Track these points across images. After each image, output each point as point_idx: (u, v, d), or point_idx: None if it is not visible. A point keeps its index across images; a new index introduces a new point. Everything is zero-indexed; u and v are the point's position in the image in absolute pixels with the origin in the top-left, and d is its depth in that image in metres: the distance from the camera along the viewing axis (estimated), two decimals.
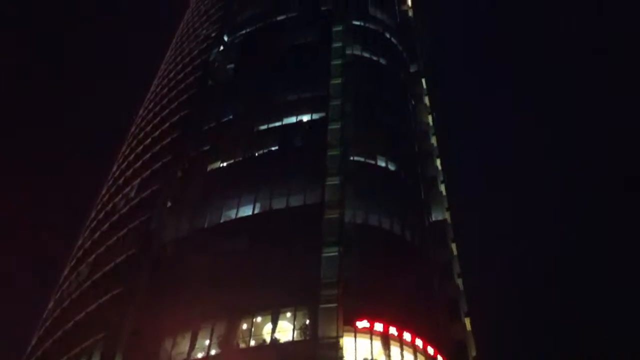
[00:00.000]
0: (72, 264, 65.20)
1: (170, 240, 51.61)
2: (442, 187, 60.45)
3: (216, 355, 39.87)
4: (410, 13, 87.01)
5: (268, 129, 57.85)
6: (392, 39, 72.15)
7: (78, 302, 55.07)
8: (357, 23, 70.41)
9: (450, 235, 55.55)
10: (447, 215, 57.39)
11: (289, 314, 40.98)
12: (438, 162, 63.53)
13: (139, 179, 64.84)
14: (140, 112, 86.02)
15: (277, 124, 57.63)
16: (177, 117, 69.22)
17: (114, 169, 77.10)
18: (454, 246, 55.22)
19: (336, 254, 43.23)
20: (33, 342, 59.22)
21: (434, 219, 55.80)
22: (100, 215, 67.07)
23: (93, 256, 60.31)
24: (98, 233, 63.48)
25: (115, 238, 58.52)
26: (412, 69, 73.86)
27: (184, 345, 41.29)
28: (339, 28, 67.97)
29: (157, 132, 70.21)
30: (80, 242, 68.55)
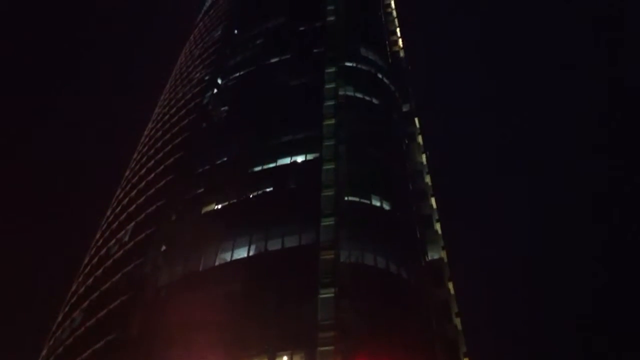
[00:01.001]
0: (66, 310, 64.37)
1: (164, 284, 51.04)
2: (438, 226, 60.20)
3: None
4: (402, 54, 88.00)
5: (262, 170, 57.85)
6: (384, 80, 72.78)
7: (72, 350, 54.21)
8: (350, 64, 71.06)
9: (447, 274, 55.10)
10: (443, 254, 57.00)
11: (285, 358, 40.30)
12: (433, 200, 63.40)
13: (133, 223, 64.50)
14: (134, 155, 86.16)
15: (272, 165, 57.65)
16: (171, 160, 69.26)
17: (108, 213, 76.80)
18: (451, 285, 54.71)
19: (332, 295, 42.73)
20: None
21: (430, 258, 55.40)
22: (94, 261, 66.53)
23: (87, 302, 59.59)
24: (92, 278, 62.85)
25: (109, 283, 57.93)
26: (405, 109, 74.33)
27: None
28: (332, 69, 68.57)
29: (151, 176, 70.17)
30: (74, 288, 67.83)
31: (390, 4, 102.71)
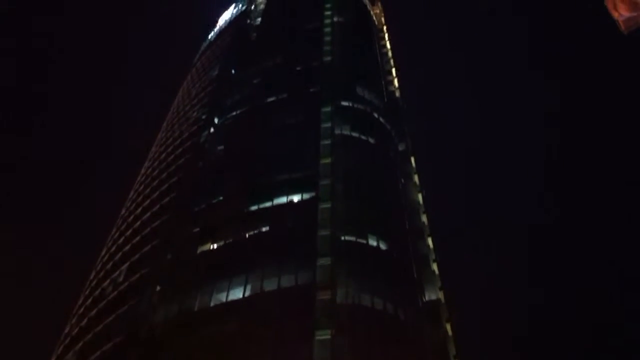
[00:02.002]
0: (59, 352, 63.36)
1: (159, 324, 50.35)
2: (435, 266, 59.84)
3: None
4: (398, 93, 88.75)
5: (259, 209, 57.64)
6: (380, 119, 73.16)
7: None
8: (345, 103, 71.50)
9: (444, 314, 54.53)
10: (440, 295, 56.51)
11: None
12: (429, 240, 63.14)
13: (127, 263, 63.99)
14: (131, 194, 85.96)
15: (268, 204, 57.48)
16: (167, 199, 69.07)
17: (103, 253, 76.25)
18: (449, 326, 54.10)
19: (329, 336, 42.21)
20: None
21: (427, 298, 54.88)
22: (88, 302, 65.76)
23: (80, 344, 58.69)
24: (85, 320, 62.02)
25: (102, 325, 57.15)
26: (401, 148, 74.58)
27: None
28: (328, 109, 68.94)
29: (147, 215, 69.88)
30: (67, 329, 66.91)
31: (385, 44, 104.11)
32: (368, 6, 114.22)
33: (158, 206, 69.29)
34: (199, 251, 56.59)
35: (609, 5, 9.77)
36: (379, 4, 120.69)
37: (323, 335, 42.32)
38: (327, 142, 63.38)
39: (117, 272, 64.55)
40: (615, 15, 9.74)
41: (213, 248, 56.04)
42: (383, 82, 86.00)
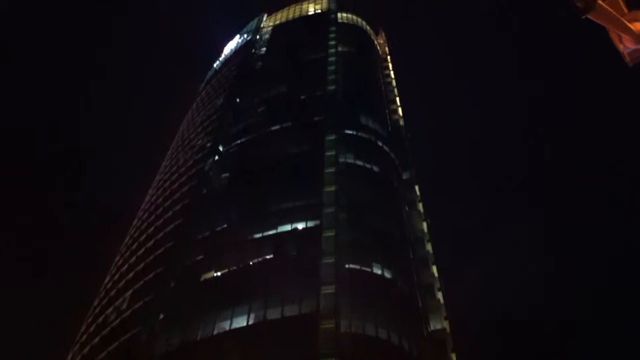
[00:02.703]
0: None
1: (161, 353, 50.00)
2: (440, 295, 59.49)
3: None
4: (402, 122, 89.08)
5: (262, 237, 57.61)
6: (384, 147, 73.38)
7: None
8: (350, 132, 71.82)
9: (450, 345, 54.05)
10: (445, 324, 56.09)
11: None
12: (434, 269, 62.87)
13: (131, 291, 63.74)
14: (134, 222, 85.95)
15: (272, 232, 57.45)
16: (171, 226, 69.03)
17: (106, 280, 76.01)
18: (454, 357, 53.59)
19: None
20: None
21: (432, 328, 54.49)
22: (91, 329, 65.40)
23: None
24: (88, 347, 61.64)
25: (105, 352, 56.78)
26: (405, 176, 74.65)
27: None
28: (332, 137, 69.20)
29: (151, 242, 69.79)
30: (69, 356, 66.44)
31: (389, 73, 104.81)
32: (372, 36, 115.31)
33: (162, 233, 69.24)
34: (202, 279, 56.43)
35: (614, 38, 9.92)
36: (383, 34, 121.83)
37: None
38: (331, 170, 63.50)
39: (121, 300, 64.29)
40: (621, 47, 9.88)
41: (216, 276, 55.88)
42: (387, 111, 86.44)
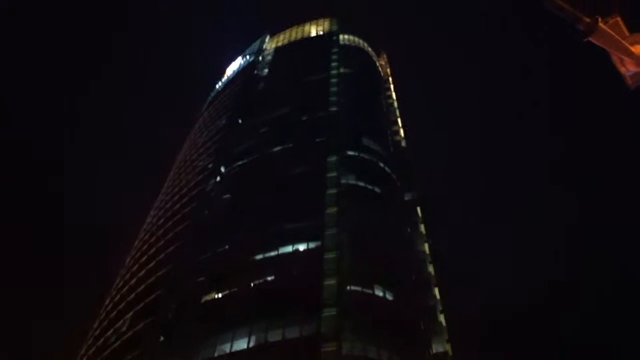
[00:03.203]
0: None
1: None
2: (442, 317, 59.01)
3: None
4: (404, 143, 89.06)
5: (264, 258, 57.33)
6: (386, 168, 73.30)
7: None
8: (352, 153, 71.77)
9: None
10: (448, 347, 55.56)
11: None
12: (436, 291, 62.44)
13: (131, 312, 63.40)
14: (136, 243, 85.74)
15: (273, 253, 57.19)
16: (172, 247, 68.84)
17: (107, 301, 75.68)
18: None
19: None
20: None
21: (434, 351, 53.95)
22: (91, 351, 64.98)
23: None
24: None
25: None
26: (407, 197, 74.41)
27: None
28: (334, 158, 69.15)
29: (152, 264, 69.56)
30: None
31: (391, 95, 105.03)
32: (373, 57, 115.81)
33: (163, 255, 69.03)
34: (203, 301, 56.11)
35: (616, 60, 9.87)
36: (384, 55, 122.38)
37: None
38: (333, 191, 63.37)
39: (121, 322, 63.90)
40: (622, 70, 9.83)
41: (217, 297, 55.56)
42: (389, 132, 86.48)
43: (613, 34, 9.66)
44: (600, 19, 9.54)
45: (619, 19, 9.84)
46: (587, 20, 9.48)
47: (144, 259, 73.40)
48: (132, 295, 66.68)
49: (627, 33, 9.82)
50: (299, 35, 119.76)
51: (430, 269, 65.55)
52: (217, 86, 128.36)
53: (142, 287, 66.10)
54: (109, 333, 64.68)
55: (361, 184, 66.97)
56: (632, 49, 9.76)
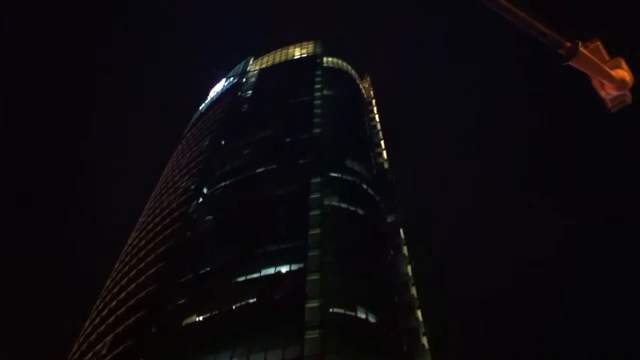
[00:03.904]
0: None
1: None
2: (425, 340, 58.80)
3: None
4: (387, 165, 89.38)
5: (246, 280, 57.01)
6: (369, 190, 73.46)
7: None
8: (335, 175, 71.91)
9: None
10: None
11: None
12: (419, 313, 62.28)
13: (111, 335, 62.58)
14: (116, 265, 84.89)
15: (256, 275, 56.90)
16: (153, 269, 68.25)
17: (86, 324, 74.64)
18: None
19: None
20: None
21: None
22: None
23: None
24: None
25: None
26: (390, 219, 74.49)
27: None
28: (317, 180, 69.22)
29: (133, 286, 68.85)
30: None
31: (374, 117, 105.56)
32: (357, 80, 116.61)
33: (144, 277, 68.36)
34: (184, 324, 55.54)
35: (596, 84, 9.99)
36: (368, 78, 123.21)
37: None
38: (317, 212, 63.34)
39: (101, 345, 63.02)
40: (603, 94, 9.95)
41: (199, 320, 55.02)
42: (372, 154, 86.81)
43: (594, 58, 9.77)
44: (580, 44, 9.64)
45: (599, 43, 9.96)
46: (568, 44, 9.57)
47: (124, 281, 72.65)
48: (112, 318, 65.87)
49: (607, 57, 9.94)
50: (283, 58, 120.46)
51: (413, 291, 65.43)
52: (200, 107, 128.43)
53: (123, 309, 65.35)
54: (88, 356, 63.76)
55: (344, 205, 67.04)
56: (613, 72, 9.87)
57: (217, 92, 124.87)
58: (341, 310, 51.93)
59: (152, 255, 71.87)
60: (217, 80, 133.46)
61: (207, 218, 73.21)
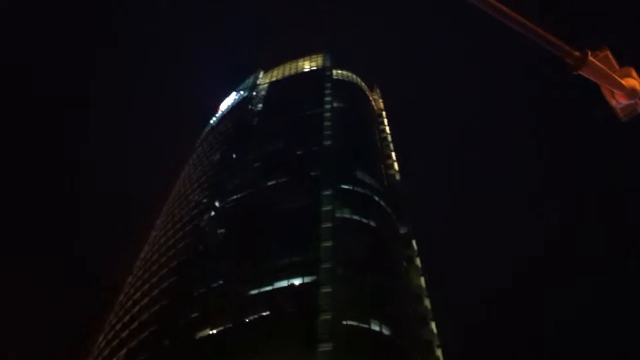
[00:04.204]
0: None
1: None
2: (439, 352, 58.57)
3: None
4: (398, 176, 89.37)
5: (259, 293, 57.02)
6: (381, 202, 73.40)
7: None
8: (346, 187, 71.92)
9: None
10: None
11: None
12: (433, 325, 62.05)
13: (125, 349, 62.71)
14: (129, 279, 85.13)
15: (268, 288, 56.91)
16: (166, 283, 68.41)
17: (100, 339, 74.80)
18: None
19: None
20: None
21: None
22: None
23: None
24: None
25: None
26: (402, 231, 74.40)
27: None
28: (328, 192, 69.26)
29: (146, 300, 69.00)
30: None
31: (384, 129, 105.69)
32: (367, 92, 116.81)
33: (157, 291, 68.52)
34: (197, 337, 55.59)
35: (606, 94, 10.00)
36: (378, 90, 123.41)
37: None
38: (328, 225, 63.35)
39: (115, 359, 63.13)
40: (613, 103, 9.97)
41: (212, 334, 55.06)
42: (383, 166, 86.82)
43: (603, 67, 9.80)
44: (590, 53, 9.67)
45: (608, 52, 9.98)
46: (577, 54, 9.61)
47: (137, 294, 72.84)
48: (126, 332, 66.01)
49: (617, 67, 9.96)
50: (293, 71, 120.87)
51: (427, 303, 65.26)
52: (211, 121, 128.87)
53: (136, 323, 65.49)
54: None
55: (356, 217, 67.00)
56: (623, 82, 9.89)
57: (228, 106, 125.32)
58: (354, 323, 51.82)
59: (165, 269, 72.06)
60: (228, 94, 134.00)
61: (219, 231, 73.35)
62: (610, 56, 9.86)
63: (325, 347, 47.49)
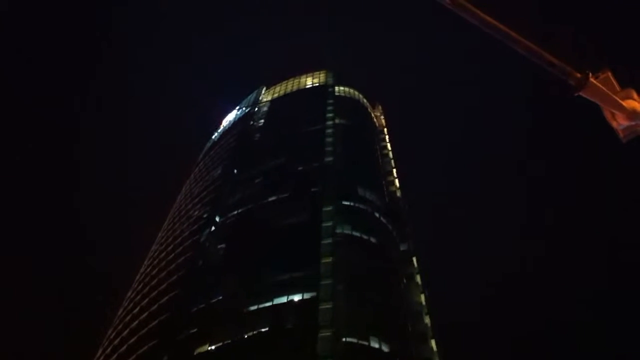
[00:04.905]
0: None
1: None
2: None
3: None
4: (399, 193, 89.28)
5: (258, 309, 56.83)
6: (382, 219, 73.31)
7: None
8: (347, 203, 71.91)
9: None
10: None
11: None
12: (433, 343, 61.66)
13: None
14: (129, 293, 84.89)
15: (268, 304, 56.74)
16: (165, 298, 68.20)
17: (99, 353, 74.49)
18: None
19: None
20: None
21: None
22: None
23: None
24: None
25: None
26: (403, 248, 74.21)
27: None
28: (329, 208, 69.23)
29: (145, 315, 68.78)
30: None
31: (386, 145, 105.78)
32: (369, 108, 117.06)
33: (156, 305, 68.31)
34: (196, 353, 55.35)
35: (607, 115, 10.02)
36: (379, 107, 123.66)
37: None
38: (329, 241, 63.27)
39: None
40: (614, 124, 9.98)
41: (211, 349, 54.82)
42: (384, 183, 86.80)
43: (604, 89, 9.81)
44: (590, 74, 9.70)
45: (609, 73, 9.99)
46: (578, 75, 9.63)
47: (137, 309, 72.60)
48: (125, 347, 65.74)
49: (618, 88, 9.98)
50: (295, 87, 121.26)
51: (427, 320, 64.89)
52: (213, 137, 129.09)
53: (135, 338, 65.24)
54: None
55: (356, 234, 66.93)
56: (624, 103, 9.90)
57: (230, 122, 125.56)
58: (354, 340, 51.60)
59: (165, 284, 71.88)
60: (230, 110, 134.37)
61: (219, 247, 73.27)
62: (612, 77, 9.88)
63: None
